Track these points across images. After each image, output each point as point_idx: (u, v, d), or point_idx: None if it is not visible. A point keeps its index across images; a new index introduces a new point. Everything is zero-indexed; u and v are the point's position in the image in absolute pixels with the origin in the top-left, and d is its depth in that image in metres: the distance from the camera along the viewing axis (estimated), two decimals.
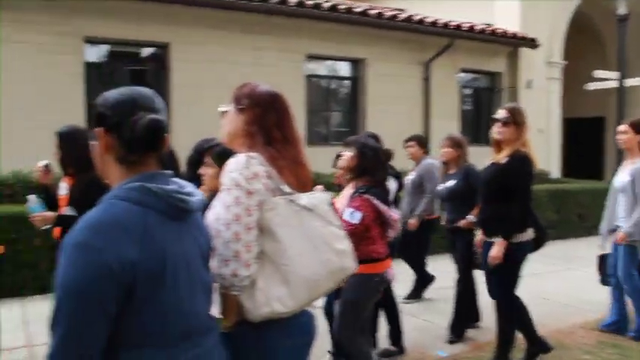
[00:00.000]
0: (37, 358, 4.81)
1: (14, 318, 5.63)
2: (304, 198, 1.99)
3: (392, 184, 4.65)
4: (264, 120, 2.06)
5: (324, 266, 1.96)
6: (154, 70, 9.53)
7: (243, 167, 1.91)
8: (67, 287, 1.41)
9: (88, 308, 1.40)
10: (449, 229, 5.35)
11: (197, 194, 1.67)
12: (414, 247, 6.30)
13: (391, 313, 4.76)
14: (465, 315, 5.18)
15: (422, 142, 6.50)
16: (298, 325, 2.01)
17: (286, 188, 1.98)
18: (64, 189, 4.03)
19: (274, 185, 1.96)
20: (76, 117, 8.52)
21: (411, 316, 5.67)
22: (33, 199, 3.93)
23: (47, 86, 8.40)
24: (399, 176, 5.43)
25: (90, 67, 8.96)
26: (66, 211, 3.93)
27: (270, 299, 1.88)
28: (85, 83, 8.79)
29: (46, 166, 4.05)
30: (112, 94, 1.62)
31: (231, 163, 1.95)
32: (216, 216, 1.88)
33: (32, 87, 8.31)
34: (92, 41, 8.95)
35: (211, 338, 1.68)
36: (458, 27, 11.46)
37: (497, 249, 4.03)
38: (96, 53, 9.23)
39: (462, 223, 5.09)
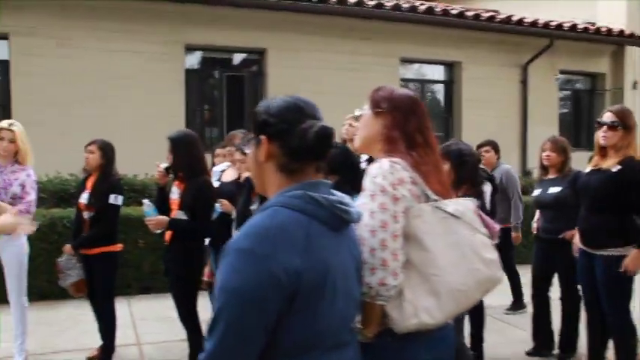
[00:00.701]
0: (146, 356, 4.97)
1: (122, 316, 5.80)
2: (450, 205, 1.91)
3: (487, 188, 4.42)
4: (406, 124, 1.99)
5: (472, 276, 1.87)
6: (251, 76, 9.69)
7: (388, 172, 1.85)
8: (232, 292, 1.40)
9: (251, 315, 1.39)
10: (545, 240, 4.93)
11: (354, 205, 1.63)
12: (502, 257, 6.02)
13: (477, 318, 4.57)
14: (577, 328, 4.86)
15: (496, 147, 6.24)
16: (441, 337, 1.93)
17: (432, 194, 1.90)
18: (175, 193, 4.12)
19: (419, 191, 1.89)
20: (178, 123, 8.84)
21: (516, 328, 5.47)
22: (148, 203, 4.03)
23: (151, 93, 8.72)
24: (492, 179, 5.16)
25: (189, 73, 9.23)
26: (178, 215, 4.03)
27: (419, 310, 1.81)
28: (185, 90, 9.06)
29: (166, 169, 4.15)
30: (276, 101, 1.61)
31: (374, 168, 1.89)
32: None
33: (138, 94, 8.65)
34: (192, 49, 9.22)
35: (352, 349, 1.64)
36: (559, 26, 11.00)
37: (636, 260, 3.74)
38: (195, 60, 9.51)
39: (567, 234, 4.62)
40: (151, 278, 6.86)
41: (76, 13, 8.44)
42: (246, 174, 4.05)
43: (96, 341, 5.01)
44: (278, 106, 1.59)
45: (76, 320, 5.76)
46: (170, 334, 5.41)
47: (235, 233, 4.45)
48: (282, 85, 9.34)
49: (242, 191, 4.02)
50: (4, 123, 4.48)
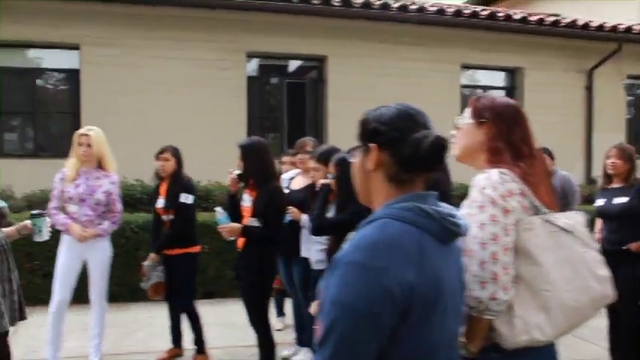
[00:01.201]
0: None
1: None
2: (561, 218, 1.84)
3: None
4: (510, 135, 1.94)
5: (586, 293, 1.80)
6: (312, 82, 9.72)
7: (498, 183, 1.80)
8: (344, 306, 1.36)
9: (364, 329, 1.35)
10: (609, 251, 4.67)
11: (462, 218, 1.58)
12: None
13: None
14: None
15: (550, 153, 6.04)
16: (549, 354, 1.87)
17: (541, 207, 1.84)
18: (247, 200, 4.15)
19: (528, 204, 1.83)
20: (239, 130, 8.96)
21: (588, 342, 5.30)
22: (220, 211, 4.07)
23: (213, 101, 8.86)
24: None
25: (250, 80, 9.33)
26: (250, 222, 4.06)
27: (530, 327, 1.75)
28: (247, 97, 9.16)
29: (239, 176, 4.19)
30: (387, 109, 1.56)
31: (482, 179, 1.84)
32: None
33: (200, 101, 8.80)
34: (253, 56, 9.32)
35: None
36: (628, 30, 10.64)
37: None
38: (256, 67, 9.61)
39: (632, 246, 4.44)
40: (215, 283, 6.94)
41: (141, 22, 8.66)
42: (322, 181, 4.04)
43: (165, 344, 5.11)
44: (389, 114, 1.54)
45: (145, 323, 5.87)
46: (236, 339, 5.46)
47: (305, 241, 4.50)
48: (342, 91, 9.36)
49: (316, 198, 4.01)
50: (83, 129, 4.61)
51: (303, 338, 4.89)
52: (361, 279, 1.36)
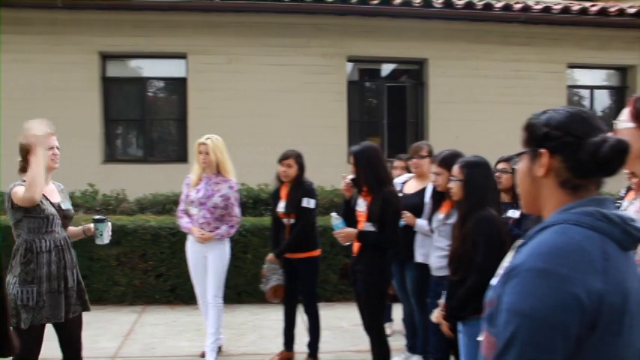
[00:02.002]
0: None
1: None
2: None
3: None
4: None
5: None
6: (412, 86, 9.61)
7: None
8: (528, 316, 1.29)
9: (550, 341, 1.28)
10: None
11: None
12: None
13: None
14: None
15: None
16: None
17: None
18: (362, 205, 4.14)
19: None
20: (340, 134, 8.99)
21: None
22: (335, 216, 4.11)
23: (314, 105, 8.93)
24: None
25: (351, 85, 9.34)
26: (366, 226, 4.06)
27: None
28: (347, 101, 9.17)
29: (353, 180, 4.19)
30: (558, 112, 1.48)
31: None
32: None
33: (301, 106, 8.90)
34: (353, 60, 9.33)
35: None
36: None
37: None
38: (357, 72, 9.62)
39: None
40: (320, 287, 6.91)
41: (244, 30, 8.87)
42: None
43: (276, 346, 5.17)
44: (561, 117, 1.47)
45: (253, 324, 5.97)
46: (345, 344, 5.46)
47: (419, 246, 4.43)
48: (442, 94, 9.20)
49: (437, 203, 3.94)
50: (203, 137, 4.89)
51: (415, 345, 4.82)
52: (545, 286, 1.28)
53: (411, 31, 9.09)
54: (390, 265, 4.15)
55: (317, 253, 4.91)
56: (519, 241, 1.45)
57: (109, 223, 3.87)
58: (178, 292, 6.75)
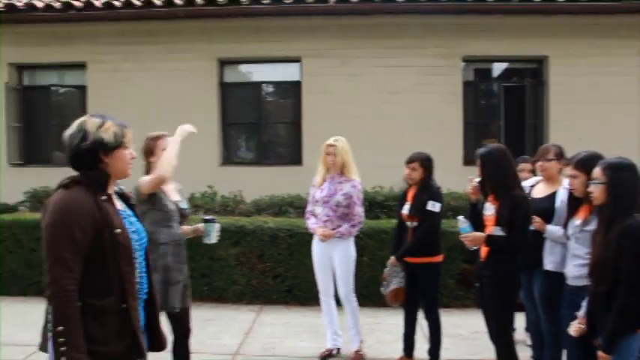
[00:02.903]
0: None
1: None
2: None
3: None
4: None
5: None
6: (531, 85, 9.21)
7: None
8: None
9: None
10: None
11: None
12: None
13: None
14: None
15: None
16: None
17: None
18: (489, 209, 4.01)
19: None
20: (454, 137, 8.78)
21: None
22: (462, 220, 4.00)
23: (428, 107, 8.79)
24: None
25: (466, 85, 9.10)
26: (494, 231, 3.92)
27: None
28: (463, 102, 8.95)
29: (479, 183, 4.07)
30: None
31: None
32: None
33: (415, 108, 8.78)
34: (469, 60, 9.09)
35: None
36: None
37: None
38: (472, 72, 9.36)
39: None
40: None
41: (357, 33, 8.87)
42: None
43: (394, 351, 5.11)
44: None
45: (371, 328, 5.91)
46: (465, 352, 5.32)
47: (549, 253, 4.20)
48: (564, 93, 8.76)
49: (573, 208, 3.72)
50: (331, 139, 4.97)
51: (542, 357, 4.58)
52: None
53: (530, 27, 8.72)
54: (519, 271, 3.97)
55: (439, 258, 4.82)
56: None
57: (218, 224, 4.07)
58: (295, 293, 6.84)
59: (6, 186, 8.68)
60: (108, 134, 2.31)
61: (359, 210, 4.96)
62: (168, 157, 3.65)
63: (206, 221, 4.02)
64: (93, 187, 2.28)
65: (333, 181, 4.96)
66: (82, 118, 2.38)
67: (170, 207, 3.79)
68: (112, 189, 2.40)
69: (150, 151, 3.82)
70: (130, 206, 2.53)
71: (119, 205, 2.42)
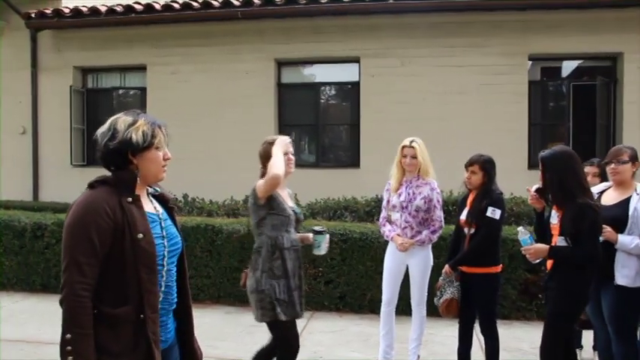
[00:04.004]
0: None
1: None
2: None
3: None
4: None
5: None
6: (602, 84, 8.68)
7: None
8: None
9: None
10: None
11: None
12: None
13: None
14: None
15: None
16: None
17: None
18: (554, 217, 3.73)
19: None
20: (520, 139, 8.37)
21: None
22: (522, 231, 3.75)
23: (491, 107, 8.43)
24: None
25: (532, 85, 8.68)
26: (559, 241, 3.64)
27: None
28: (528, 102, 8.53)
29: (538, 191, 3.81)
30: None
31: None
32: None
33: (477, 108, 8.44)
34: (536, 58, 8.65)
35: None
36: None
37: None
38: (539, 70, 8.92)
39: None
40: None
41: (417, 31, 8.62)
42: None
43: None
44: None
45: (425, 339, 5.56)
46: None
47: (621, 266, 3.84)
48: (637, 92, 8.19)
49: None
50: (406, 141, 4.71)
51: None
52: None
53: (603, 22, 8.23)
54: (588, 285, 3.64)
55: (497, 269, 4.42)
56: None
57: (328, 235, 4.03)
58: (347, 300, 6.63)
59: (69, 187, 8.86)
60: (137, 134, 2.17)
61: (439, 214, 4.73)
62: (277, 161, 3.60)
63: (316, 232, 3.98)
64: (119, 188, 2.15)
65: (411, 184, 4.70)
66: (115, 116, 2.25)
67: (288, 212, 3.77)
68: (141, 190, 2.25)
69: (268, 155, 3.71)
70: (169, 209, 2.38)
71: (151, 207, 2.27)
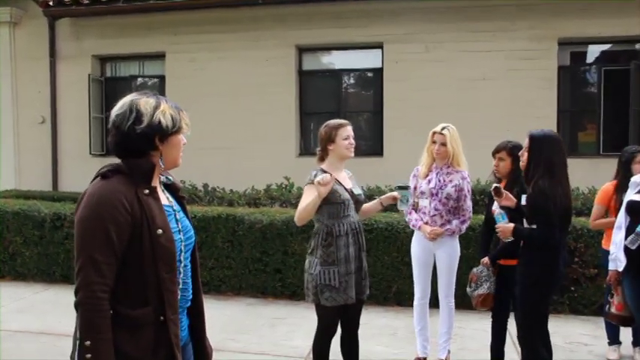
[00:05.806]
0: None
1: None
2: None
3: None
4: None
5: None
6: (636, 68, 8.35)
7: None
8: None
9: None
10: None
11: None
12: None
13: None
14: None
15: None
16: None
17: None
18: (524, 199, 3.72)
19: None
20: (549, 126, 8.08)
21: None
22: (499, 211, 3.82)
23: (518, 93, 8.18)
24: None
25: (562, 70, 8.40)
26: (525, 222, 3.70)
27: None
28: (557, 88, 8.26)
29: (495, 189, 3.87)
30: None
31: None
32: None
33: (503, 94, 8.20)
34: (566, 42, 8.36)
35: None
36: None
37: None
38: (569, 55, 8.63)
39: None
40: None
41: (442, 16, 8.38)
42: None
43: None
44: None
45: (455, 333, 5.38)
46: None
47: None
48: None
49: None
50: (438, 127, 4.51)
51: None
52: None
53: (636, 4, 7.90)
54: (549, 268, 3.57)
55: None
56: None
57: (412, 189, 4.10)
58: (372, 292, 6.41)
59: (88, 176, 8.76)
60: (166, 117, 1.99)
61: (469, 204, 4.54)
62: (303, 205, 3.65)
63: (401, 188, 3.88)
64: (136, 178, 1.95)
65: (441, 172, 4.51)
66: (130, 97, 2.04)
67: (344, 197, 3.73)
68: (157, 181, 2.07)
69: (330, 139, 3.73)
70: (179, 199, 2.20)
71: (164, 199, 2.08)
